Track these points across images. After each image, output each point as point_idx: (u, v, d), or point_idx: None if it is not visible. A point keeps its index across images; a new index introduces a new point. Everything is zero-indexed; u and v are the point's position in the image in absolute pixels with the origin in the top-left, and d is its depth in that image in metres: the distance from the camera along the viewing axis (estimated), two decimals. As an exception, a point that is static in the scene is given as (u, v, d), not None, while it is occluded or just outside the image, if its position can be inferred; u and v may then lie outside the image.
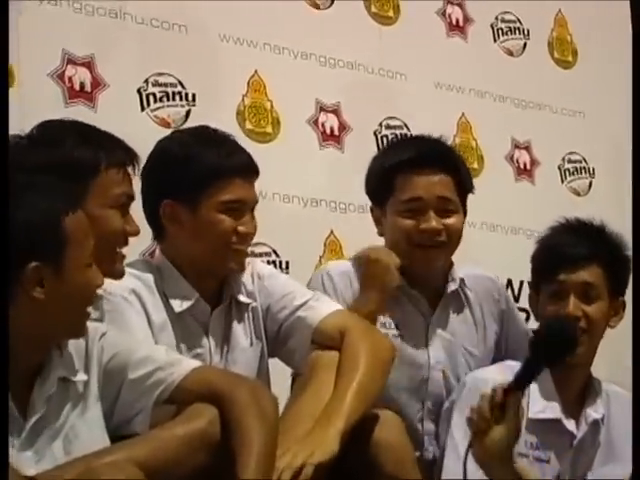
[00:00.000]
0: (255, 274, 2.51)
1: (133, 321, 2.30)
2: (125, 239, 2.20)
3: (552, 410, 2.52)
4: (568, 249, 2.55)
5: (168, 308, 2.40)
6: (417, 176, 2.70)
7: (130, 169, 2.22)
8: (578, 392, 2.58)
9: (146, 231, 3.16)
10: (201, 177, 2.37)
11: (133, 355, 2.00)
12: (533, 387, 2.49)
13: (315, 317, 2.43)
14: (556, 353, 2.15)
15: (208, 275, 2.45)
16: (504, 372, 2.47)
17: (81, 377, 1.95)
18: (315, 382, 2.29)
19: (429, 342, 2.75)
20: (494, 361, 2.77)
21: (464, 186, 2.77)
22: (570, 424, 2.54)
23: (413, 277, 2.74)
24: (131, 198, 2.24)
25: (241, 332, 2.48)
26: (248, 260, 2.52)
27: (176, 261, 2.44)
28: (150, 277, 2.41)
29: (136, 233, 2.24)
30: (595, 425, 2.57)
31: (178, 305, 2.40)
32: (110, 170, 2.15)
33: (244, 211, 2.42)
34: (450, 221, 2.71)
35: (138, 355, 2.01)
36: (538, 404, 2.51)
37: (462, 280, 2.80)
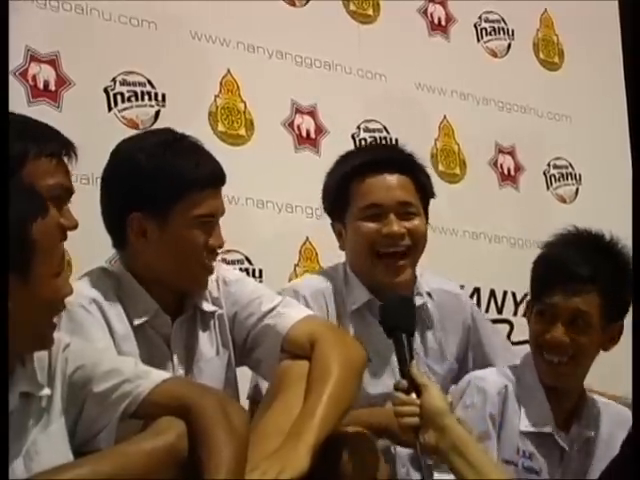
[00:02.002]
0: (220, 280, 2.50)
1: (93, 331, 2.29)
2: (63, 234, 2.11)
3: (544, 424, 2.54)
4: (569, 267, 2.49)
5: (129, 319, 2.39)
6: (373, 180, 2.72)
7: (67, 160, 2.21)
8: (571, 409, 2.59)
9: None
10: (172, 191, 2.34)
11: (98, 367, 1.99)
12: (527, 401, 2.53)
13: (284, 325, 2.42)
14: (404, 321, 2.29)
15: (172, 288, 2.44)
16: (499, 373, 2.59)
17: (44, 392, 1.93)
18: (285, 395, 2.29)
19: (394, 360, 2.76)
20: (459, 375, 2.79)
21: (424, 189, 2.78)
22: (562, 438, 2.56)
23: (379, 291, 2.74)
24: (68, 190, 2.22)
25: (206, 341, 2.47)
26: (213, 264, 2.51)
27: (138, 272, 2.42)
28: (110, 287, 2.40)
29: (74, 227, 2.22)
30: (588, 442, 2.58)
31: (137, 318, 2.39)
32: (39, 161, 2.14)
33: (214, 224, 2.41)
34: (413, 224, 2.73)
35: (104, 367, 1.99)
36: (530, 417, 2.53)
37: (429, 294, 2.82)
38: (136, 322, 2.38)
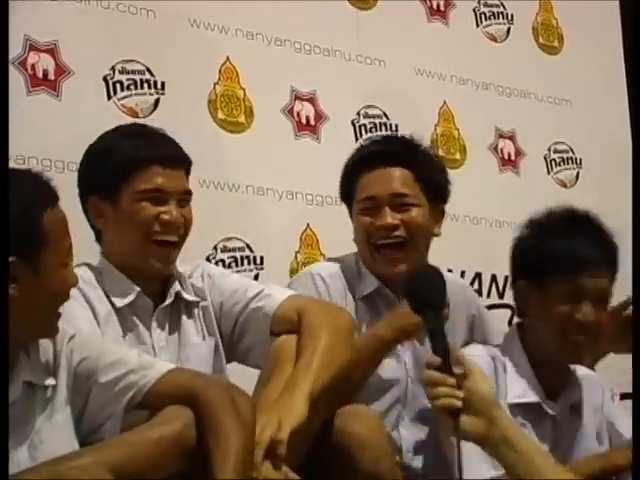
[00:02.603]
0: (205, 274, 2.55)
1: (79, 314, 2.33)
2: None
3: (531, 394, 2.58)
4: (589, 250, 2.55)
5: (111, 303, 2.44)
6: (371, 174, 2.79)
7: None
8: (559, 377, 2.64)
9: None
10: (118, 168, 2.42)
11: (103, 358, 2.00)
12: (510, 372, 2.57)
13: (271, 305, 2.46)
14: (434, 294, 1.99)
15: (142, 274, 2.47)
16: (486, 348, 2.63)
17: (48, 381, 1.95)
18: (279, 372, 2.32)
19: (399, 350, 2.79)
20: None
21: (426, 179, 2.80)
22: (550, 407, 2.60)
23: (384, 280, 2.80)
24: None
25: (192, 328, 2.51)
26: (198, 262, 2.58)
27: (113, 260, 2.48)
28: (91, 276, 2.45)
29: None
30: (574, 408, 2.64)
31: (119, 301, 2.43)
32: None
33: (167, 200, 2.45)
34: (408, 215, 2.76)
35: (108, 358, 2.01)
36: (517, 388, 2.57)
37: None
38: (118, 305, 2.42)
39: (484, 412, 1.91)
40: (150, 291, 2.47)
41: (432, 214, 2.81)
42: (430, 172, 2.82)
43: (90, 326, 2.33)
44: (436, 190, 2.82)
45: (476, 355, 2.54)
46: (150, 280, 2.47)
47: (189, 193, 2.50)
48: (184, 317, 2.51)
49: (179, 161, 2.49)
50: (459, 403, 1.87)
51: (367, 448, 2.30)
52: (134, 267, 2.45)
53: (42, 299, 1.87)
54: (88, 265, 2.51)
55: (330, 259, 3.00)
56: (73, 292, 2.30)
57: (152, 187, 2.42)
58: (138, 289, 2.44)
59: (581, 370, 2.71)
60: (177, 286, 2.50)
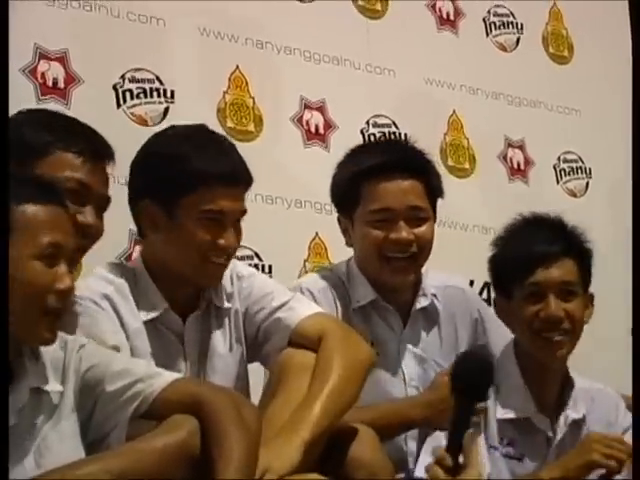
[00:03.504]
0: (235, 275, 2.51)
1: (104, 326, 2.30)
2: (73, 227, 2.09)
3: (522, 410, 2.57)
4: (541, 246, 2.57)
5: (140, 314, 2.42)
6: (385, 183, 2.71)
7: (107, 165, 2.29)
8: (555, 391, 2.63)
9: (122, 234, 3.20)
10: (182, 181, 2.32)
11: (111, 367, 2.00)
12: (504, 389, 2.56)
13: (294, 318, 2.43)
14: (479, 386, 1.96)
15: (186, 282, 2.45)
16: None
17: (56, 388, 1.95)
18: (286, 388, 2.29)
19: (402, 359, 2.78)
20: None
21: (434, 191, 2.78)
22: (542, 423, 2.59)
23: (384, 290, 2.77)
24: (89, 189, 2.24)
25: (220, 338, 2.48)
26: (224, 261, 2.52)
27: (151, 264, 2.44)
28: (123, 283, 2.40)
29: (91, 227, 2.24)
30: (575, 425, 2.62)
31: (145, 314, 2.39)
32: (64, 155, 2.21)
33: (226, 223, 2.37)
34: (421, 230, 2.73)
35: (116, 367, 2.00)
36: (507, 404, 2.56)
37: (434, 295, 2.84)
38: (144, 318, 2.39)
39: None
40: (181, 300, 2.44)
41: (434, 225, 2.81)
42: (437, 184, 2.81)
43: (116, 339, 2.29)
44: (436, 203, 2.81)
45: None
46: (184, 288, 2.44)
47: (245, 213, 2.43)
48: (214, 325, 2.48)
49: (244, 180, 2.40)
50: None
51: (366, 469, 2.27)
52: (178, 276, 2.40)
53: (12, 292, 1.82)
54: (120, 265, 2.49)
55: (320, 270, 2.97)
56: (102, 302, 2.33)
57: (215, 209, 2.33)
58: (166, 305, 2.40)
59: (591, 384, 2.69)
60: (210, 292, 2.47)
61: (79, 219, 2.17)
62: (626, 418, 2.68)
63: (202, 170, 2.32)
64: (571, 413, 2.62)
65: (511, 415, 2.56)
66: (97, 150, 2.27)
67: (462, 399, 1.91)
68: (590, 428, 2.61)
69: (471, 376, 1.94)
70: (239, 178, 2.39)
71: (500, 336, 2.88)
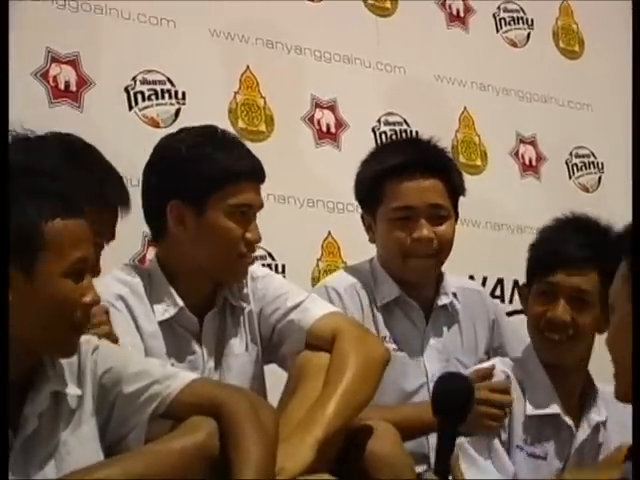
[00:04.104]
0: (249, 276, 2.53)
1: (119, 327, 2.30)
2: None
3: (550, 406, 2.58)
4: (569, 249, 2.57)
5: (155, 316, 2.43)
6: (407, 182, 2.75)
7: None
8: (577, 394, 2.64)
9: (136, 236, 3.21)
10: (211, 179, 2.40)
11: (127, 369, 2.01)
12: (530, 386, 2.58)
13: (308, 320, 2.45)
14: (460, 409, 2.00)
15: (207, 280, 2.47)
16: (501, 362, 2.62)
17: (75, 391, 1.96)
18: (302, 389, 2.31)
19: (424, 355, 2.81)
20: None
21: (455, 190, 2.81)
22: (569, 420, 2.60)
23: (407, 287, 2.80)
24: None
25: (236, 337, 2.50)
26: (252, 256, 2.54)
27: (170, 266, 2.46)
28: (139, 283, 2.44)
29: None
30: (597, 427, 2.63)
31: (160, 314, 2.42)
32: None
33: (251, 217, 2.45)
34: (442, 229, 2.76)
35: (133, 369, 2.01)
36: (536, 401, 2.58)
37: (454, 294, 2.87)
38: (160, 318, 2.41)
39: None
40: (198, 299, 2.47)
41: (454, 223, 2.83)
42: (458, 183, 2.83)
43: (131, 340, 2.32)
44: (458, 201, 2.83)
45: (495, 370, 2.57)
46: (203, 286, 2.48)
47: (263, 206, 2.51)
48: (230, 324, 2.51)
49: (262, 175, 2.49)
50: None
51: (386, 464, 2.28)
52: (206, 274, 2.45)
53: (42, 311, 1.84)
54: (135, 268, 2.52)
55: (346, 269, 2.99)
56: (117, 303, 2.36)
57: (242, 202, 2.42)
58: (182, 304, 2.43)
59: (604, 386, 2.65)
60: (226, 290, 2.50)
61: None
62: None
63: (228, 167, 2.41)
64: (595, 416, 2.63)
65: (541, 411, 2.57)
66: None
67: (444, 422, 1.96)
68: (608, 430, 2.63)
69: (451, 400, 1.99)
70: (258, 174, 2.48)
71: (515, 339, 2.90)
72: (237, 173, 2.41)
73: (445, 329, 2.86)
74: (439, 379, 2.14)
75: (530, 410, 2.56)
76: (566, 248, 2.57)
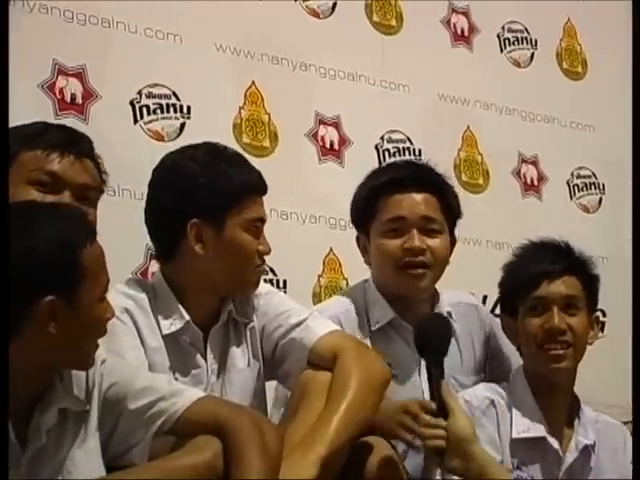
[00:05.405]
0: None
1: (124, 341, 2.32)
2: None
3: (536, 429, 2.59)
4: (545, 261, 2.63)
5: (160, 330, 2.43)
6: (400, 195, 2.77)
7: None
8: (564, 415, 2.65)
9: (138, 250, 3.22)
10: (228, 197, 2.40)
11: (133, 384, 2.01)
12: (515, 409, 2.60)
13: (310, 338, 2.44)
14: (440, 341, 2.35)
15: (215, 295, 2.47)
16: (490, 388, 2.66)
17: (82, 407, 1.97)
18: (305, 407, 2.30)
19: (421, 377, 2.78)
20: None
21: (450, 208, 2.82)
22: (555, 443, 2.60)
23: (402, 308, 2.79)
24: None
25: (238, 352, 2.50)
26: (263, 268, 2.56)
27: (178, 282, 2.46)
28: (144, 297, 2.43)
29: None
30: (586, 451, 2.64)
31: (166, 327, 2.42)
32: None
33: (261, 230, 2.47)
34: (434, 242, 2.76)
35: (138, 384, 2.01)
36: (522, 424, 2.59)
37: (449, 313, 2.86)
38: (165, 331, 2.41)
39: (463, 450, 2.21)
40: (203, 314, 2.46)
41: (449, 242, 2.83)
42: (453, 201, 2.83)
43: (135, 354, 2.32)
44: (454, 219, 2.84)
45: (475, 395, 2.60)
46: (209, 301, 2.48)
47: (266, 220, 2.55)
48: (233, 338, 2.51)
49: (267, 188, 2.51)
50: (445, 444, 2.21)
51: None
52: (221, 289, 2.46)
53: (80, 335, 1.89)
54: (140, 282, 2.53)
55: (341, 293, 2.99)
56: (122, 316, 2.34)
57: (257, 216, 2.44)
58: (188, 318, 2.43)
59: (597, 414, 2.71)
60: (230, 305, 2.50)
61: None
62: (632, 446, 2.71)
63: (242, 183, 2.42)
64: (582, 439, 2.63)
65: (526, 434, 2.58)
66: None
67: (429, 356, 2.32)
68: (599, 454, 2.64)
69: (432, 335, 2.35)
70: (265, 187, 2.50)
71: (511, 350, 2.89)
72: (251, 188, 2.44)
73: None
74: (420, 320, 2.47)
75: (516, 433, 2.57)
76: (543, 262, 2.63)
